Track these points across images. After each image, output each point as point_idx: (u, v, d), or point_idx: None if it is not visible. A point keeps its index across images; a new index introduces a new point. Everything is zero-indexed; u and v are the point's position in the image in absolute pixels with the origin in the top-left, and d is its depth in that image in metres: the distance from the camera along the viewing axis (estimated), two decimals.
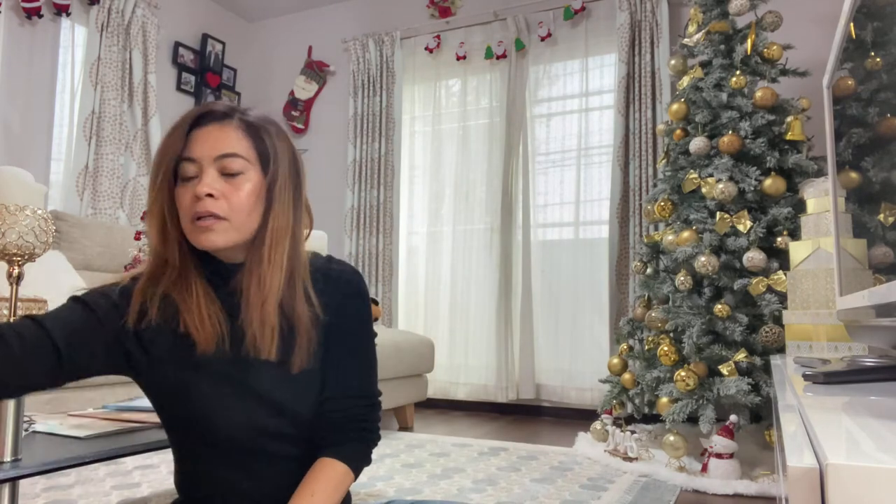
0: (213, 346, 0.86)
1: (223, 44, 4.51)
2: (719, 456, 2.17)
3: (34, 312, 1.41)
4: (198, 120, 0.87)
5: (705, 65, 2.74)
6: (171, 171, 0.86)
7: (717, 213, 2.46)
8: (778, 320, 2.28)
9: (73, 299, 0.88)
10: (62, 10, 3.41)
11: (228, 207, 0.85)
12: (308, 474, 0.89)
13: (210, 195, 0.84)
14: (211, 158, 0.85)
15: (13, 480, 1.15)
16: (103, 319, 0.86)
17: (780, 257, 2.38)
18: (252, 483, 0.91)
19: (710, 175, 2.55)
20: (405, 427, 3.20)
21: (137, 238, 1.66)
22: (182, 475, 0.96)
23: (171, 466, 2.28)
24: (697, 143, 2.58)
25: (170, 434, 0.95)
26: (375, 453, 2.57)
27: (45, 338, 0.80)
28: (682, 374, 2.30)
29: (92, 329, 0.85)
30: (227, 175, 0.85)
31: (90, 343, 0.85)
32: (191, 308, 0.87)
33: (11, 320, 0.89)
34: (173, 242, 0.88)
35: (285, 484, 0.90)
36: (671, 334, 2.48)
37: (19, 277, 1.31)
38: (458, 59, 3.98)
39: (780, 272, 2.31)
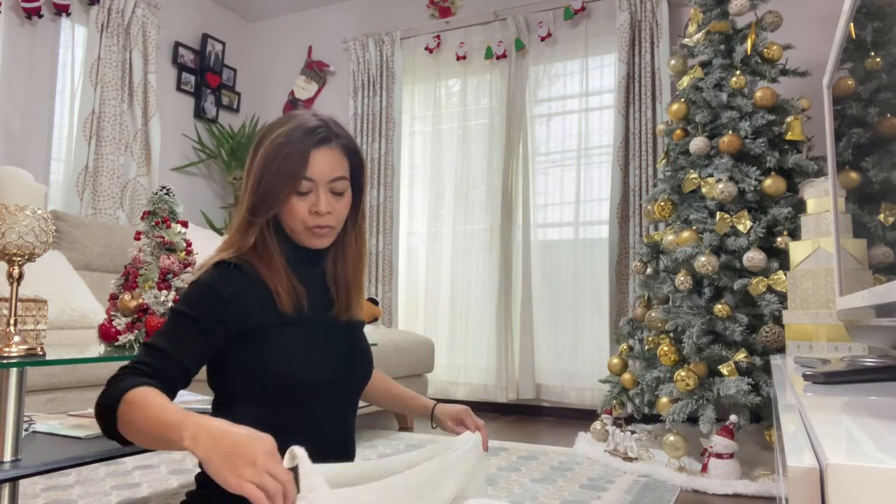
0: (292, 307, 1.02)
1: (223, 44, 4.51)
2: (719, 456, 2.17)
3: (34, 313, 1.40)
4: (318, 143, 1.02)
5: (705, 65, 2.74)
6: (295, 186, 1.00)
7: (717, 213, 2.46)
8: (778, 320, 2.28)
9: (184, 315, 0.96)
10: (62, 10, 3.41)
11: (335, 218, 1.05)
12: (387, 382, 1.28)
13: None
14: (326, 181, 1.02)
15: (13, 480, 1.15)
16: (210, 329, 0.96)
17: (780, 257, 2.38)
18: (319, 428, 1.04)
19: (710, 175, 2.55)
20: (405, 427, 3.20)
21: (137, 238, 1.66)
22: None
23: (172, 466, 2.28)
24: (697, 143, 2.58)
25: (259, 400, 1.00)
26: (373, 454, 2.58)
27: (186, 380, 0.96)
28: (682, 374, 2.30)
29: (205, 343, 0.97)
30: (335, 193, 1.04)
31: (207, 354, 0.98)
32: (281, 276, 1.02)
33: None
34: (257, 230, 1.04)
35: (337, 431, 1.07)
36: (671, 334, 2.48)
37: (19, 277, 1.31)
38: (458, 59, 3.98)
39: (780, 272, 2.31)
